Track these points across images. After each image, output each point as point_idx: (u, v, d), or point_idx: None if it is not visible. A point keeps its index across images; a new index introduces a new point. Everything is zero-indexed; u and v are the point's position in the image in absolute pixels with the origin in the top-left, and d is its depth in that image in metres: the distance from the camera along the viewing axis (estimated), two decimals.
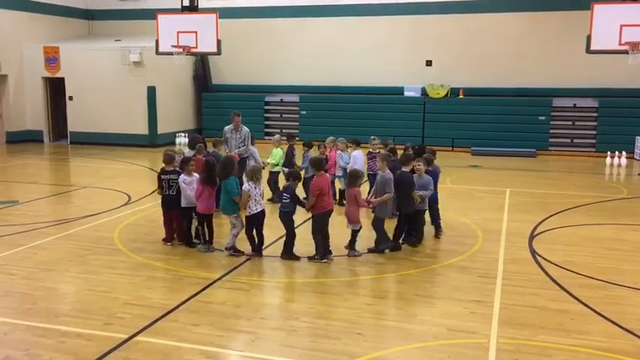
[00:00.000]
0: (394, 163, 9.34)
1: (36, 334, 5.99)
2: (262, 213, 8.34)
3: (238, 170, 11.73)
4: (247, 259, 8.35)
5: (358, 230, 8.54)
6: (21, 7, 22.01)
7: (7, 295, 7.06)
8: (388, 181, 8.62)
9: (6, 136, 22.18)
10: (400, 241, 8.94)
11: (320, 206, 8.18)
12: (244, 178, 8.99)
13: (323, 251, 8.24)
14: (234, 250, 8.47)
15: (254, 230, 8.38)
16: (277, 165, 12.26)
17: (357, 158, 11.61)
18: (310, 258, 8.28)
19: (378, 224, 8.70)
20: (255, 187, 8.24)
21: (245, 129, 12.16)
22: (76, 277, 7.71)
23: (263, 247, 8.57)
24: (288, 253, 8.36)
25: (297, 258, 8.33)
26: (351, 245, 8.59)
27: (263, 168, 12.21)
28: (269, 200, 11.82)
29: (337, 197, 11.77)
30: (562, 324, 6.32)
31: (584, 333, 6.11)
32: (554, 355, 5.62)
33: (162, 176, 8.99)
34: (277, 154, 12.34)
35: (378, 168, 8.97)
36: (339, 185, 11.96)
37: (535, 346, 5.78)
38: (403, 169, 8.99)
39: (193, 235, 9.00)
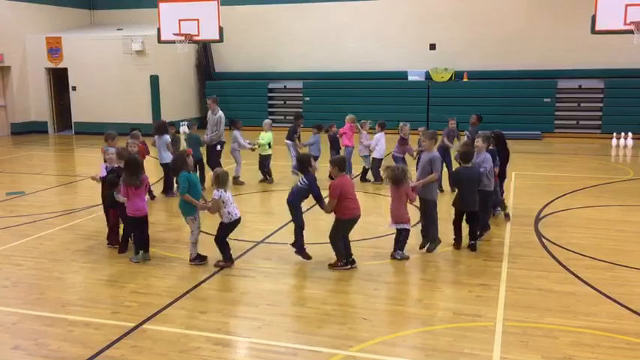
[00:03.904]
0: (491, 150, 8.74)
1: (44, 323, 6.04)
2: (239, 219, 7.51)
3: (212, 157, 12.14)
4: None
5: (408, 230, 7.78)
6: None
7: (15, 286, 7.11)
8: (435, 159, 7.97)
9: (11, 128, 22.23)
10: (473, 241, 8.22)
11: (346, 212, 7.34)
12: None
13: (346, 256, 7.47)
14: (199, 260, 7.69)
15: (225, 237, 7.54)
16: (270, 148, 12.73)
17: (380, 140, 12.47)
18: (332, 265, 7.48)
19: (428, 207, 7.99)
20: (226, 192, 7.40)
21: (219, 113, 12.49)
22: (82, 267, 7.75)
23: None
24: (299, 247, 7.68)
25: (309, 257, 7.68)
26: (400, 247, 7.81)
27: (253, 149, 12.69)
28: (260, 182, 12.72)
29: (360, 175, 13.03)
30: (568, 306, 6.32)
31: (590, 315, 6.11)
32: (561, 336, 5.62)
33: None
34: (267, 137, 12.70)
35: (425, 148, 8.31)
36: (363, 163, 12.93)
37: (541, 329, 5.78)
38: (465, 165, 8.18)
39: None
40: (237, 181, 12.51)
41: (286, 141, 13.19)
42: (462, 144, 9.11)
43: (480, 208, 8.25)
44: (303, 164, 7.69)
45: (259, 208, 11.40)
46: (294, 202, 7.66)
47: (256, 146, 12.73)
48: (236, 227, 7.57)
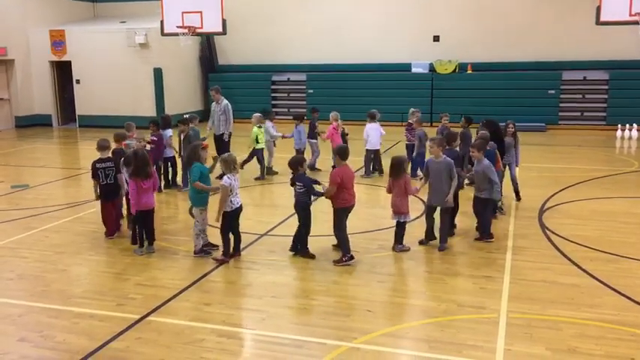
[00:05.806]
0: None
1: (50, 315, 6.07)
2: (241, 207, 7.54)
3: (222, 148, 12.08)
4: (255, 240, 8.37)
5: (405, 223, 7.80)
6: None
7: (21, 278, 7.15)
8: (449, 166, 7.85)
9: (15, 121, 22.27)
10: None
11: (341, 200, 7.37)
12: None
13: (349, 250, 7.42)
14: (210, 248, 7.81)
15: (231, 228, 7.53)
16: (260, 142, 12.46)
17: (369, 131, 12.32)
18: (337, 262, 7.39)
19: (446, 214, 7.98)
20: (235, 180, 7.40)
21: (224, 101, 12.55)
22: (87, 259, 7.78)
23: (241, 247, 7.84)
24: (301, 250, 7.65)
25: (312, 256, 7.60)
26: (399, 240, 7.84)
27: (284, 137, 12.73)
28: (256, 179, 12.37)
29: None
30: (572, 298, 6.32)
31: (594, 306, 6.11)
32: (565, 328, 5.63)
33: (98, 165, 8.50)
34: (254, 132, 12.46)
35: (432, 153, 8.07)
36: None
37: (545, 320, 5.79)
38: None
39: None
40: (270, 171, 12.65)
41: (310, 140, 13.12)
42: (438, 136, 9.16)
43: (480, 214, 8.33)
44: (292, 166, 7.60)
45: (263, 200, 11.41)
46: (296, 205, 7.62)
47: (289, 135, 12.81)
48: (239, 215, 7.58)
